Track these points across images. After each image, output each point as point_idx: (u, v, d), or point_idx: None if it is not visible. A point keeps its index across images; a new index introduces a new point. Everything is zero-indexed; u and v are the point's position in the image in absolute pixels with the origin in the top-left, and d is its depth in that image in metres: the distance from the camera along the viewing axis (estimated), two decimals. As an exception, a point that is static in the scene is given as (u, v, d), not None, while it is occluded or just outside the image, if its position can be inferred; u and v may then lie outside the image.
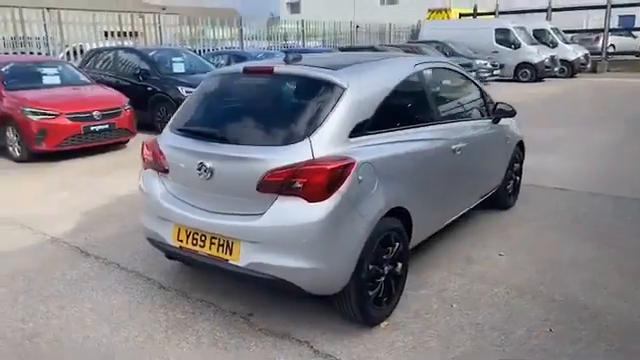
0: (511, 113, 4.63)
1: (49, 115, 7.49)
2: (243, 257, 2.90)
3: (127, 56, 10.52)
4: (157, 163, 3.34)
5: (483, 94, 4.59)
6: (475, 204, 4.55)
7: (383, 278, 3.13)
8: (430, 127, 3.60)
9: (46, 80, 8.71)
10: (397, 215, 3.20)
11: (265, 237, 2.84)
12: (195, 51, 14.02)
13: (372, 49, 15.53)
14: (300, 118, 2.99)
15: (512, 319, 3.22)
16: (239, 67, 3.50)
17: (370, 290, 3.03)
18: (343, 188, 2.77)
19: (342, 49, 15.41)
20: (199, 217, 3.07)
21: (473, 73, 16.84)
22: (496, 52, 19.81)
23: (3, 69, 8.36)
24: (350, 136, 2.95)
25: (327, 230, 2.76)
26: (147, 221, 3.42)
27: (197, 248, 3.10)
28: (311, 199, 2.75)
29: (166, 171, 3.30)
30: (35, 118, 7.44)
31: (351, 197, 2.81)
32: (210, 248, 3.03)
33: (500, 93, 16.45)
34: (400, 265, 3.29)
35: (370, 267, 2.99)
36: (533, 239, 4.49)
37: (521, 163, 5.38)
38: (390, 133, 3.22)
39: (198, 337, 3.07)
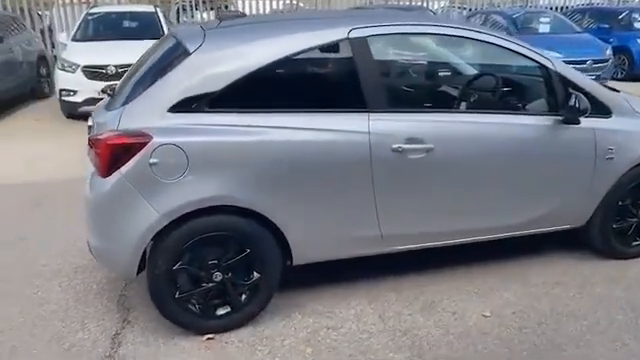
0: (584, 108, 2.89)
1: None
2: None
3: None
4: None
5: (551, 77, 2.98)
6: (493, 238, 3.15)
7: (211, 284, 2.63)
8: (343, 115, 2.66)
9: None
10: (247, 215, 2.59)
11: (87, 208, 2.75)
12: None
13: None
14: (141, 83, 2.70)
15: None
16: None
17: (179, 292, 2.61)
18: (125, 168, 2.43)
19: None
20: None
21: None
22: None
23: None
24: (172, 110, 2.50)
25: (103, 210, 2.54)
26: None
27: None
28: (99, 173, 2.52)
29: None
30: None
31: (135, 180, 2.44)
32: None
33: None
34: (257, 276, 2.69)
35: (176, 266, 2.56)
36: (570, 309, 2.88)
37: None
38: (251, 115, 2.57)
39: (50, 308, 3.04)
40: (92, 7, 9.41)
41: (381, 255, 3.03)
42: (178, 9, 11.66)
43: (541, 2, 14.76)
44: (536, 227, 3.17)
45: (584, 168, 3.10)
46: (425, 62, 3.23)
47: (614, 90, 3.41)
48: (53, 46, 11.53)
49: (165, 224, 2.48)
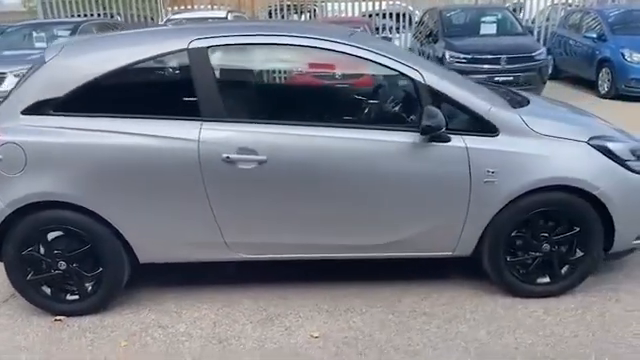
0: (436, 125, 2.59)
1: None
2: None
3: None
4: None
5: (418, 90, 2.73)
6: (352, 257, 3.01)
7: (56, 272, 2.90)
8: (176, 122, 2.74)
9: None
10: (86, 212, 2.81)
11: None
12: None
13: None
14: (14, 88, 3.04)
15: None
16: None
17: (31, 275, 2.91)
18: (-18, 165, 2.79)
19: None
20: None
21: None
22: None
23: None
24: (24, 112, 2.80)
25: None
26: None
27: None
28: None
29: None
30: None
31: (-12, 177, 2.79)
32: None
33: None
34: (100, 269, 2.92)
35: (25, 252, 2.86)
36: (408, 344, 2.62)
37: (589, 233, 2.85)
38: (88, 120, 2.77)
39: None
40: (174, 14, 10.34)
41: (263, 263, 3.06)
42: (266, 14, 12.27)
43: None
44: (401, 251, 2.92)
45: (455, 191, 2.78)
46: (269, 73, 3.12)
47: (522, 103, 2.99)
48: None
49: (8, 214, 2.80)
